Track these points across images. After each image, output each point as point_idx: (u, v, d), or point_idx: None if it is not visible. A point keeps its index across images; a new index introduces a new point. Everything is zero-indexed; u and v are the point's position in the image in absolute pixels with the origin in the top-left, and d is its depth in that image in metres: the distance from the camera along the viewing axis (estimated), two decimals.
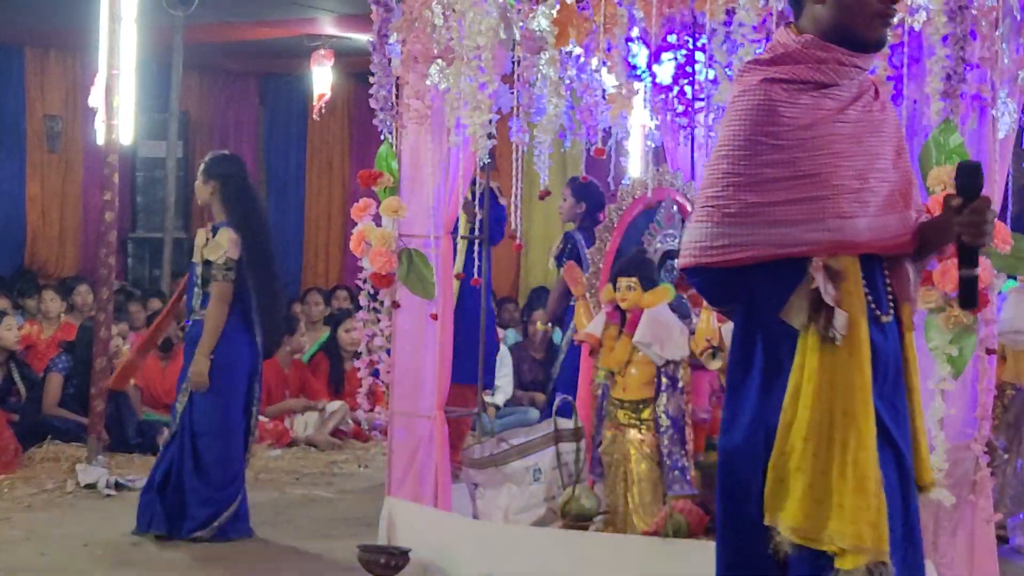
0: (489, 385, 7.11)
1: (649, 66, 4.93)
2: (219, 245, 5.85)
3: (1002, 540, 4.92)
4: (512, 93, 4.85)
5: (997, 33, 4.30)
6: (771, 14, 4.40)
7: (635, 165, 6.54)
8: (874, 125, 2.82)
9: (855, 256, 2.75)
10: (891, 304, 2.83)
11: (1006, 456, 5.59)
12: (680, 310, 5.16)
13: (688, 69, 5.02)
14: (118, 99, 7.35)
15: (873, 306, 2.78)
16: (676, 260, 5.38)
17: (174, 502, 5.87)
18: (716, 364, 4.78)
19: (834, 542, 2.67)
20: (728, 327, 4.87)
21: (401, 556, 4.89)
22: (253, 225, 5.96)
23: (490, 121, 4.78)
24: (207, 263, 5.87)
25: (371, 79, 5.03)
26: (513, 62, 4.91)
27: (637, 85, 4.82)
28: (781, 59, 2.79)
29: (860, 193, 2.75)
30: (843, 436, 2.69)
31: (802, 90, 2.76)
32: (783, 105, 2.74)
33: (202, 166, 6.09)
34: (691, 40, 5.14)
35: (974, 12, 4.16)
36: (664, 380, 4.97)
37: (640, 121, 5.75)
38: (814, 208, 2.72)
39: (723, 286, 2.83)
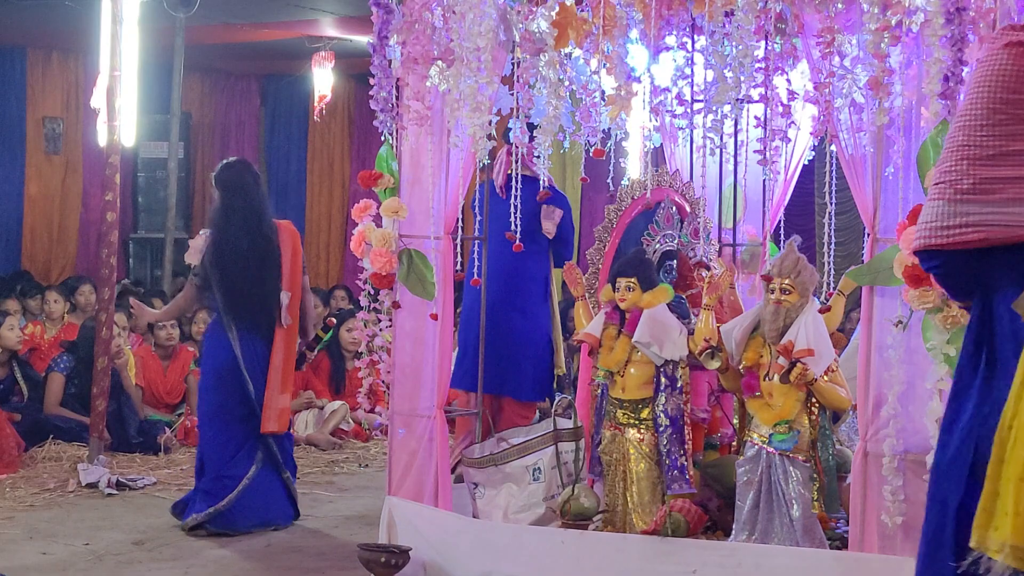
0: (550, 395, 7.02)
1: (648, 68, 4.95)
2: (191, 249, 6.24)
3: None
4: (512, 94, 4.87)
5: (995, 34, 4.31)
6: (769, 16, 4.42)
7: (634, 166, 6.56)
8: None
9: None
10: None
11: None
12: (679, 310, 5.18)
13: (687, 71, 5.03)
14: (120, 100, 7.38)
15: None
16: (674, 260, 5.44)
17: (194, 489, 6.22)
18: (715, 364, 4.80)
19: None
20: (726, 327, 4.90)
21: (401, 555, 4.91)
22: (227, 227, 6.15)
23: (490, 122, 4.80)
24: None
25: (371, 80, 5.05)
26: (513, 64, 4.93)
27: (636, 87, 4.84)
28: None
29: None
30: None
31: None
32: None
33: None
34: (690, 42, 5.16)
35: (972, 14, 4.18)
36: (663, 380, 4.99)
37: (639, 122, 5.76)
38: None
39: (959, 273, 2.54)
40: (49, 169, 13.15)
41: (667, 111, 5.11)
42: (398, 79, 5.07)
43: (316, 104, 12.48)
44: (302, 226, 14.41)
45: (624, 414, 5.05)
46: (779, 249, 4.96)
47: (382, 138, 5.17)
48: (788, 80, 4.82)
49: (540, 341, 6.79)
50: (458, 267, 5.39)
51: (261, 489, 6.09)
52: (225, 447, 6.09)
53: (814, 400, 4.71)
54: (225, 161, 6.46)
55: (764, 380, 4.74)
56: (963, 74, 4.18)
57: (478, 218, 5.80)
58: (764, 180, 5.80)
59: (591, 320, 5.24)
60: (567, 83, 4.84)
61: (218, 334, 6.16)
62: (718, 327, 4.90)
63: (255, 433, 6.10)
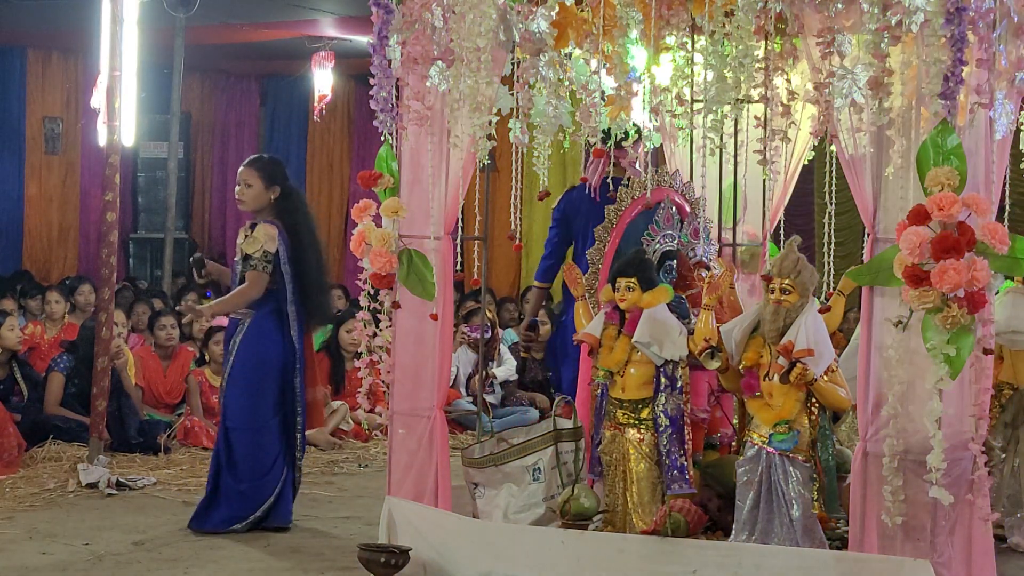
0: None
1: (648, 68, 4.95)
2: (256, 239, 5.98)
3: (999, 539, 4.95)
4: (512, 94, 4.87)
5: (994, 35, 4.32)
6: (769, 16, 4.42)
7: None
8: None
9: None
10: None
11: (1003, 456, 5.61)
12: (679, 310, 5.18)
13: (687, 71, 5.03)
14: (120, 100, 7.38)
15: None
16: (674, 260, 5.44)
17: (209, 493, 6.02)
18: (714, 364, 4.80)
19: None
20: (726, 327, 4.89)
21: (401, 555, 4.91)
22: (297, 221, 6.10)
23: (490, 122, 4.80)
24: (245, 258, 6.01)
25: (371, 80, 5.05)
26: (513, 64, 4.93)
27: (636, 86, 4.83)
28: None
29: None
30: None
31: None
32: None
33: (257, 171, 6.10)
34: (690, 42, 5.17)
35: (971, 14, 4.18)
36: (663, 380, 4.99)
37: (639, 122, 5.75)
38: None
39: None
40: (49, 169, 13.17)
41: (667, 111, 5.11)
42: (398, 79, 5.07)
43: (316, 104, 12.49)
44: None
45: (624, 414, 5.05)
46: (779, 249, 4.96)
47: (382, 138, 5.17)
48: (788, 80, 4.82)
49: None
50: (458, 267, 5.39)
51: (286, 491, 6.08)
52: (271, 452, 6.01)
53: (814, 400, 4.71)
54: (273, 159, 6.33)
55: (764, 380, 4.74)
56: (963, 74, 4.18)
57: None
58: (764, 180, 5.80)
59: (591, 320, 5.24)
60: (567, 83, 4.84)
61: (271, 329, 6.00)
62: (718, 327, 4.89)
63: (290, 432, 6.08)
